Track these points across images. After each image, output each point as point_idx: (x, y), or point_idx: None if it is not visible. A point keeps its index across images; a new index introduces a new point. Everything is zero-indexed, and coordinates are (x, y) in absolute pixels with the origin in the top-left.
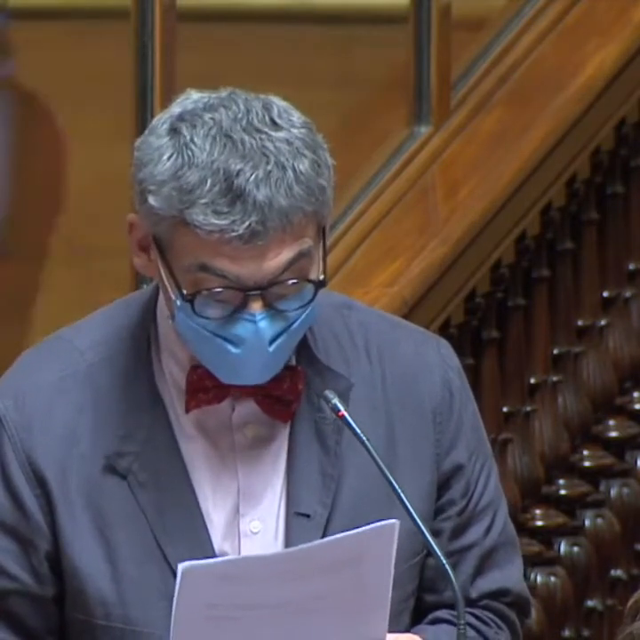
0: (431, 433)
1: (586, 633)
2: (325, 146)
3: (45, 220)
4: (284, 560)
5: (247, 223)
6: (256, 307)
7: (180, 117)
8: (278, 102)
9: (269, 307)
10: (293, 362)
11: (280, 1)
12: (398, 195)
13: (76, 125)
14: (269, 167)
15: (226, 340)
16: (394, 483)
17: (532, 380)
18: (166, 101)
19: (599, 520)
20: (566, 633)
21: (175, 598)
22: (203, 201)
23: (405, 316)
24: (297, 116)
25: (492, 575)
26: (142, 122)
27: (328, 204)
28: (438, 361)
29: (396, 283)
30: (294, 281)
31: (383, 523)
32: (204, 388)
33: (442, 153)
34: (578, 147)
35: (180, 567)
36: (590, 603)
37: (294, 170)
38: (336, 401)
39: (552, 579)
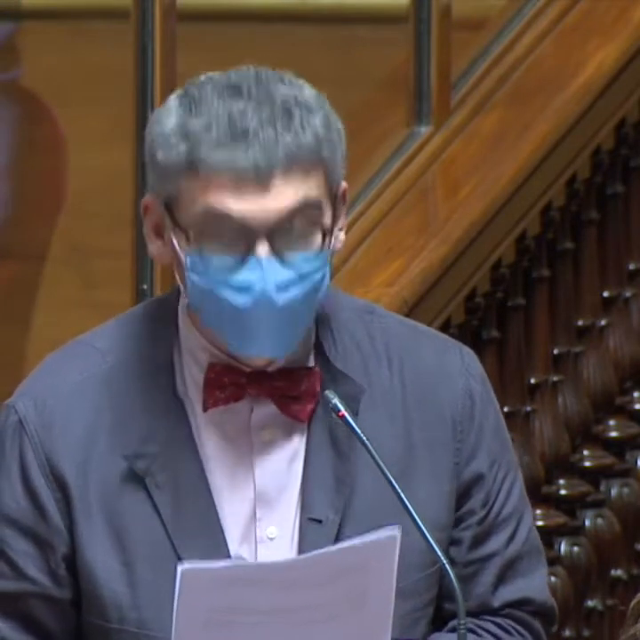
0: (451, 441)
1: (586, 633)
2: (338, 118)
3: (45, 220)
4: (284, 568)
5: (251, 157)
6: (262, 251)
7: (192, 83)
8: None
9: (276, 254)
10: (311, 363)
11: (280, 1)
12: (398, 194)
13: (76, 125)
14: (276, 109)
15: (233, 290)
16: (395, 484)
17: (532, 380)
18: None
19: (599, 520)
20: (567, 633)
21: (175, 600)
22: (208, 139)
23: (405, 316)
24: (308, 88)
25: (516, 584)
26: (142, 122)
27: (339, 167)
28: (460, 368)
29: (397, 283)
30: (299, 224)
31: (385, 532)
32: (222, 384)
33: (442, 153)
34: (578, 146)
35: (180, 568)
36: (590, 603)
37: (302, 118)
38: (336, 401)
39: (552, 579)
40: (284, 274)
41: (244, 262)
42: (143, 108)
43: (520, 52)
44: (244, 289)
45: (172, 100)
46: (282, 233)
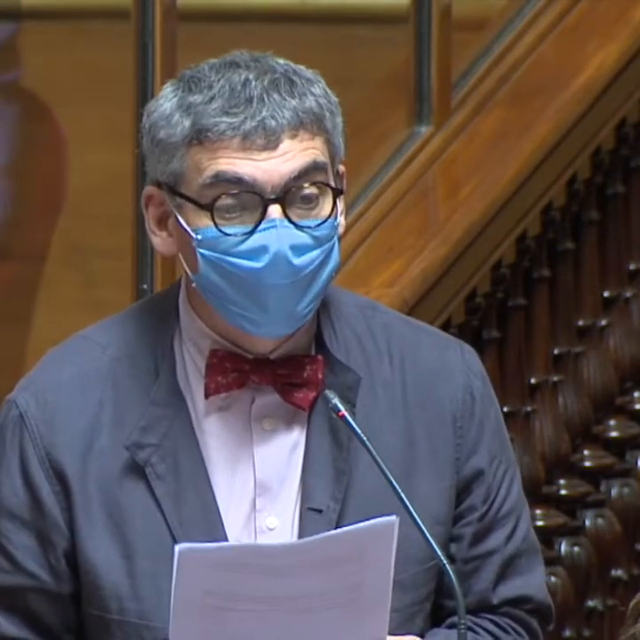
0: (451, 437)
1: (586, 633)
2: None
3: (45, 220)
4: (282, 552)
5: (259, 119)
6: (275, 213)
7: (185, 70)
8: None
9: (289, 219)
10: (313, 352)
11: (280, 1)
12: (399, 195)
13: (76, 125)
14: (277, 77)
15: (248, 254)
16: (392, 480)
17: (533, 380)
18: None
19: (599, 520)
20: (567, 633)
21: (173, 581)
22: (212, 109)
23: None
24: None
25: (514, 582)
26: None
27: (339, 141)
28: (461, 365)
29: (397, 283)
30: (309, 187)
31: (382, 519)
32: (224, 370)
33: (442, 153)
34: (578, 147)
35: (177, 549)
36: (591, 603)
37: (303, 86)
38: (336, 401)
39: (553, 579)
40: (298, 237)
41: (257, 228)
42: (143, 108)
43: (520, 53)
44: (259, 250)
45: (167, 87)
46: (293, 197)
